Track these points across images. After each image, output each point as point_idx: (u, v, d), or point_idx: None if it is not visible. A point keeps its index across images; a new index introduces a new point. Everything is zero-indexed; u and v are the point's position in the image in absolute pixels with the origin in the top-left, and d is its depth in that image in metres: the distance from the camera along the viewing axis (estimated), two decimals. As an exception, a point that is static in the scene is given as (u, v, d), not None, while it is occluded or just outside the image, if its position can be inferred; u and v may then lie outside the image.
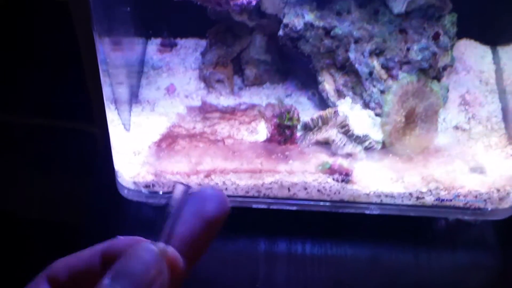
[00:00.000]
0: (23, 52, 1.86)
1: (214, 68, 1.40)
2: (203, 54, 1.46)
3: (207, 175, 1.26)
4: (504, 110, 1.37)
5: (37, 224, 2.23)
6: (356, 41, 1.26)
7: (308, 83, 1.39)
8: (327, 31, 1.26)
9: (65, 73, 1.81)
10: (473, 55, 1.49)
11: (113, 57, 1.20)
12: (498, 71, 1.45)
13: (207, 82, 1.41)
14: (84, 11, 1.19)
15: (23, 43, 1.85)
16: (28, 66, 1.87)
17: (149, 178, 1.27)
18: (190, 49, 1.51)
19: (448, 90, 1.37)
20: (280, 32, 1.28)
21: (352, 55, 1.26)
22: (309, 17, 1.25)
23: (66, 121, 1.89)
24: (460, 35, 1.43)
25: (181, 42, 1.53)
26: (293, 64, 1.41)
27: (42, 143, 2.04)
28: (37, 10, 1.74)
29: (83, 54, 1.70)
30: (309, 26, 1.26)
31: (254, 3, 1.23)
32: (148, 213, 1.36)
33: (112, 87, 1.23)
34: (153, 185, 1.28)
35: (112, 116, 1.27)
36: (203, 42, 1.50)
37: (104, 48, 1.17)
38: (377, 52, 1.26)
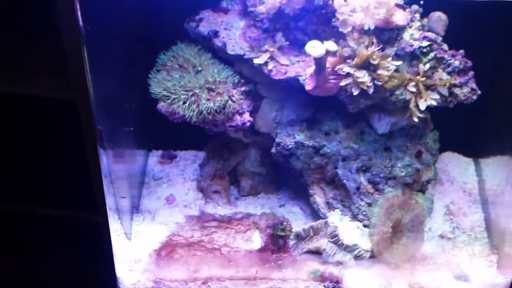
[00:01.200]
0: (33, 145, 1.92)
1: (211, 180, 1.47)
2: (201, 166, 1.53)
3: (205, 282, 1.31)
4: (487, 220, 1.43)
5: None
6: (344, 159, 1.32)
7: (300, 193, 1.45)
8: (317, 150, 1.33)
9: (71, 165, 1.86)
10: (457, 167, 1.56)
11: (116, 170, 1.27)
12: (481, 182, 1.51)
13: (205, 193, 1.48)
14: (90, 124, 1.26)
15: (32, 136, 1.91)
16: (36, 159, 1.92)
17: (149, 285, 1.32)
18: (189, 161, 1.58)
19: (432, 202, 1.44)
20: (273, 150, 1.35)
21: (340, 172, 1.32)
22: (300, 137, 1.32)
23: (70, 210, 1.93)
24: (444, 148, 1.52)
25: (180, 154, 1.60)
26: (286, 176, 1.47)
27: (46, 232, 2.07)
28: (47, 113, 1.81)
29: (87, 147, 1.76)
30: (299, 145, 1.33)
31: (248, 124, 1.31)
32: None
33: (115, 199, 1.30)
34: (153, 292, 1.34)
35: (116, 226, 1.33)
36: (201, 154, 1.57)
37: (108, 161, 1.25)
38: (364, 169, 1.33)
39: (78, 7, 1.04)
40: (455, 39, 1.24)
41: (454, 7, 1.20)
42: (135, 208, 1.45)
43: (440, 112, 1.31)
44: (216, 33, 1.27)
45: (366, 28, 1.14)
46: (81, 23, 1.06)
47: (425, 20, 1.23)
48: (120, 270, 1.35)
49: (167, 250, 1.35)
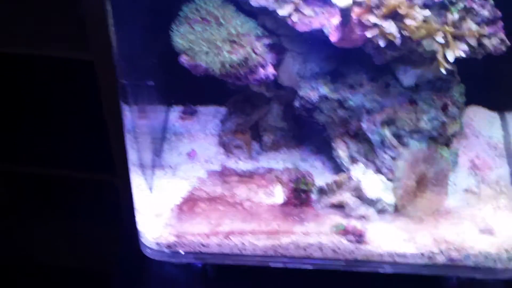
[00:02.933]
0: (56, 110, 1.93)
1: (233, 135, 1.47)
2: (222, 121, 1.53)
3: (226, 236, 1.31)
4: (512, 174, 1.44)
5: (63, 271, 2.28)
6: (368, 112, 1.31)
7: (323, 148, 1.45)
8: (341, 103, 1.33)
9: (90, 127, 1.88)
10: (482, 121, 1.55)
11: (139, 125, 1.28)
12: (506, 136, 1.50)
13: (227, 147, 1.48)
14: (109, 72, 1.26)
15: (54, 103, 1.92)
16: (58, 123, 1.94)
17: (171, 239, 1.32)
18: (210, 116, 1.58)
19: (457, 155, 1.42)
20: (296, 104, 1.35)
21: (364, 125, 1.32)
22: (324, 90, 1.32)
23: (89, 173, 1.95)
24: (469, 101, 1.49)
25: (201, 109, 1.60)
26: (309, 131, 1.47)
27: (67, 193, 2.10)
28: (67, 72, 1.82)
29: (105, 109, 1.76)
30: (323, 98, 1.32)
31: (271, 77, 1.30)
32: (170, 271, 1.42)
33: (138, 154, 1.31)
34: (175, 246, 1.33)
35: (138, 181, 1.35)
36: (222, 109, 1.57)
37: (132, 117, 1.25)
38: (388, 122, 1.32)
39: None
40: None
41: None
42: (157, 164, 1.45)
43: (465, 65, 1.28)
44: (239, -16, 1.26)
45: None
46: None
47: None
48: (142, 224, 1.36)
49: (188, 205, 1.36)
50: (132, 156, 1.31)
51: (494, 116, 1.57)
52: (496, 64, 1.32)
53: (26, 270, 2.23)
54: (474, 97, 1.50)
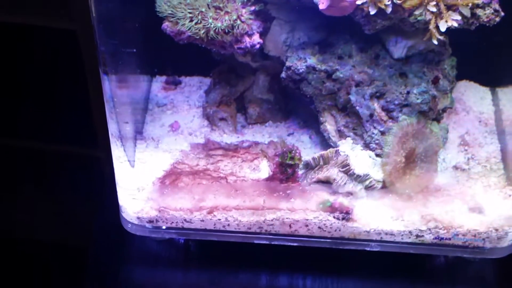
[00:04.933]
0: (35, 79, 1.90)
1: (217, 106, 1.44)
2: (206, 92, 1.50)
3: (210, 212, 1.29)
4: (503, 151, 1.40)
5: (42, 246, 2.25)
6: (357, 84, 1.29)
7: (310, 122, 1.43)
8: (329, 74, 1.29)
9: (74, 102, 1.85)
10: (473, 96, 1.53)
11: (119, 95, 1.24)
12: (497, 112, 1.48)
13: (211, 120, 1.45)
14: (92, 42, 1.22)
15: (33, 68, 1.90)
16: (37, 92, 1.91)
17: (153, 213, 1.30)
18: (194, 87, 1.55)
19: (447, 131, 1.40)
20: (283, 74, 1.32)
21: (353, 98, 1.29)
22: (311, 60, 1.29)
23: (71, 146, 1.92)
24: (460, 76, 1.47)
25: (185, 80, 1.57)
26: (296, 103, 1.45)
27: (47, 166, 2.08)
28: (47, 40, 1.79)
29: (89, 81, 1.74)
30: (311, 69, 1.29)
31: (257, 46, 1.27)
32: (151, 247, 1.40)
33: (118, 125, 1.27)
34: (157, 221, 1.31)
35: (118, 153, 1.31)
36: (207, 80, 1.54)
37: (110, 86, 1.21)
38: (378, 95, 1.29)
39: None
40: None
41: None
42: (139, 135, 1.42)
43: (456, 37, 1.26)
44: (225, -51, 1.22)
45: None
46: None
47: None
48: (123, 198, 1.33)
49: (171, 178, 1.33)
50: (112, 127, 1.27)
51: (485, 91, 1.55)
52: (487, 38, 1.30)
53: (3, 245, 2.21)
54: (465, 72, 1.48)
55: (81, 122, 1.82)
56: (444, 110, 1.35)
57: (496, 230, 1.27)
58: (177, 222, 1.31)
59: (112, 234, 1.42)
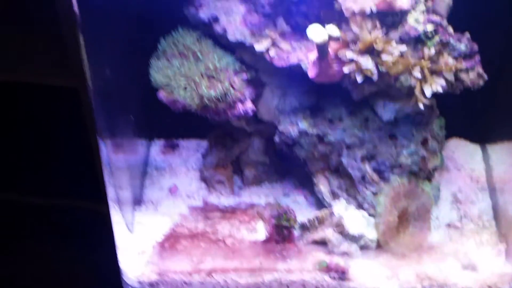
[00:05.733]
0: (38, 138, 1.93)
1: (214, 169, 1.47)
2: (204, 156, 1.53)
3: (209, 274, 1.30)
4: (495, 208, 1.42)
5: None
6: (348, 147, 1.32)
7: (305, 182, 1.45)
8: (321, 138, 1.33)
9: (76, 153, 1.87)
10: (464, 154, 1.55)
11: (116, 160, 1.27)
12: (488, 169, 1.50)
13: (208, 182, 1.48)
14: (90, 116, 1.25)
15: (38, 131, 1.92)
16: (40, 147, 1.93)
17: (153, 277, 1.32)
18: (191, 150, 1.58)
19: (439, 190, 1.43)
20: (276, 138, 1.35)
21: (345, 160, 1.32)
22: (303, 125, 1.32)
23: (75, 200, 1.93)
24: (450, 134, 1.51)
25: (183, 143, 1.60)
26: (290, 165, 1.47)
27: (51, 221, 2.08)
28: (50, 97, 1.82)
29: (91, 136, 1.76)
30: (303, 133, 1.32)
31: (250, 112, 1.31)
32: None
33: (116, 189, 1.30)
34: (157, 284, 1.32)
35: (116, 217, 1.33)
36: (204, 143, 1.57)
37: (107, 152, 1.24)
38: (369, 157, 1.32)
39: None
40: (461, 20, 1.22)
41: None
42: (138, 199, 1.45)
43: (446, 98, 1.28)
44: (216, 19, 1.26)
45: (367, 11, 1.12)
46: (76, 9, 1.07)
47: (430, 2, 1.20)
48: (124, 262, 1.35)
49: (170, 242, 1.36)
50: (110, 192, 1.30)
51: (475, 148, 1.58)
52: (477, 97, 1.33)
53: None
54: (455, 130, 1.52)
55: (82, 179, 1.84)
56: (435, 169, 1.38)
57: (490, 287, 1.27)
58: (177, 285, 1.32)
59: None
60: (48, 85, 1.68)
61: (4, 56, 1.68)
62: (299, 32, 1.24)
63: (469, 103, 1.39)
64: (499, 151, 1.48)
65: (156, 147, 1.59)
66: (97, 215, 1.72)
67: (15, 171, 1.90)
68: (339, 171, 1.35)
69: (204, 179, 1.49)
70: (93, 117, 1.22)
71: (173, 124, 1.56)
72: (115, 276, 1.38)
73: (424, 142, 1.32)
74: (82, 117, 1.68)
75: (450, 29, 1.21)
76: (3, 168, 1.92)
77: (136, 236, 1.38)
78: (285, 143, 1.35)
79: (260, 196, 1.47)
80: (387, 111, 1.30)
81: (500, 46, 1.33)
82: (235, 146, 1.47)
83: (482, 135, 1.56)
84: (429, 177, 1.37)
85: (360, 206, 1.34)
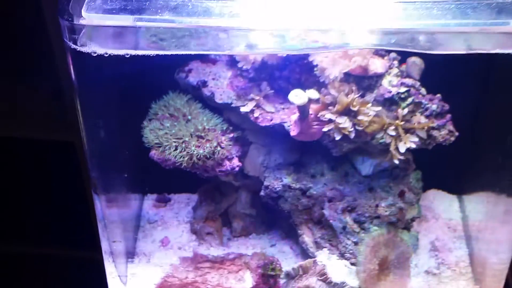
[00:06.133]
0: (34, 185, 1.96)
1: (204, 222, 1.51)
2: (194, 209, 1.58)
3: (199, 325, 1.35)
4: (471, 255, 1.47)
5: None
6: (330, 200, 1.37)
7: (291, 233, 1.50)
8: (303, 192, 1.38)
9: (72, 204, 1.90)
10: (441, 204, 1.61)
11: (110, 214, 1.32)
12: (465, 218, 1.56)
13: (198, 234, 1.52)
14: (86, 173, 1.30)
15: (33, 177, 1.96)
16: (37, 198, 1.97)
17: (146, 327, 1.36)
18: (182, 204, 1.63)
19: (417, 239, 1.48)
20: (262, 193, 1.40)
21: (326, 212, 1.36)
22: (287, 180, 1.37)
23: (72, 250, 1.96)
24: (429, 185, 1.58)
25: (174, 197, 1.65)
26: (277, 217, 1.52)
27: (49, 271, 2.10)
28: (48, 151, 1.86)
29: (87, 188, 1.79)
30: (287, 187, 1.37)
31: (237, 169, 1.36)
32: None
33: (109, 242, 1.34)
34: None
35: (110, 269, 1.38)
36: (194, 197, 1.62)
37: (101, 206, 1.29)
38: (349, 209, 1.37)
39: (71, 63, 1.11)
40: (433, 81, 1.29)
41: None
42: (131, 251, 1.48)
43: (424, 152, 1.35)
44: (204, 83, 1.33)
45: (332, 77, 1.20)
46: (73, 77, 1.13)
47: (403, 66, 1.29)
48: None
49: (162, 292, 1.40)
50: (104, 245, 1.34)
51: (452, 198, 1.62)
52: (452, 151, 1.37)
53: None
54: (433, 182, 1.57)
55: (81, 227, 1.87)
56: (412, 220, 1.43)
57: None
58: None
59: None
60: (46, 139, 1.72)
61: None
62: (282, 95, 1.30)
63: (447, 157, 1.43)
64: (474, 202, 1.53)
65: (149, 201, 1.64)
66: (91, 265, 1.77)
67: (13, 222, 1.94)
68: (321, 223, 1.40)
69: (194, 231, 1.53)
70: (87, 174, 1.26)
71: (164, 179, 1.60)
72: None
73: (401, 194, 1.37)
74: (79, 167, 1.73)
75: (423, 90, 1.28)
76: (2, 219, 1.95)
77: (129, 287, 1.41)
78: (270, 197, 1.39)
79: (248, 246, 1.51)
80: (365, 166, 1.36)
81: (472, 104, 1.40)
82: (223, 200, 1.52)
83: (459, 187, 1.61)
84: (407, 227, 1.42)
85: (342, 255, 1.37)
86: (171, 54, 1.10)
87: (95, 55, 1.08)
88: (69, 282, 2.08)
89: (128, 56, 1.09)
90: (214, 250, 1.50)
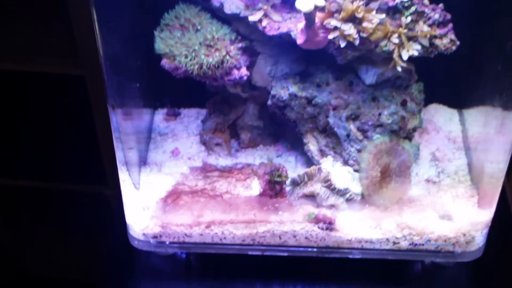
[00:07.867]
0: (44, 121, 2.01)
1: (213, 133, 1.56)
2: (203, 121, 1.62)
3: (208, 226, 1.40)
4: (470, 165, 1.52)
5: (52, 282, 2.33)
6: (334, 108, 1.40)
7: (296, 145, 1.54)
8: (309, 100, 1.41)
9: (81, 140, 1.96)
10: (442, 118, 1.65)
11: (124, 126, 1.36)
12: (464, 131, 1.60)
13: (207, 145, 1.57)
14: (99, 86, 1.33)
15: (43, 113, 2.00)
16: (47, 135, 2.01)
17: (157, 230, 1.41)
18: (192, 118, 1.67)
19: (418, 148, 1.53)
20: (269, 102, 1.44)
21: (331, 120, 1.41)
22: (293, 89, 1.41)
23: (81, 185, 2.03)
24: (430, 100, 1.62)
25: (184, 111, 1.69)
26: (283, 129, 1.56)
27: (59, 206, 2.17)
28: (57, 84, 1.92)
29: (96, 123, 1.85)
30: (293, 96, 1.41)
31: (245, 78, 1.39)
32: (156, 262, 1.51)
33: (124, 152, 1.39)
34: (160, 236, 1.42)
35: (123, 177, 1.42)
36: (203, 111, 1.66)
37: (116, 118, 1.33)
38: (353, 117, 1.41)
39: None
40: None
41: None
42: (143, 161, 1.53)
43: (426, 67, 1.40)
44: (214, -7, 1.35)
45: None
46: None
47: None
48: (130, 217, 1.44)
49: (172, 198, 1.44)
50: (119, 155, 1.38)
51: (453, 113, 1.66)
52: (455, 66, 1.44)
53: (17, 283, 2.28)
54: (435, 96, 1.62)
55: (90, 162, 1.91)
56: (414, 130, 1.46)
57: (464, 235, 1.37)
58: (178, 237, 1.40)
59: (121, 251, 1.52)
60: (59, 73, 1.76)
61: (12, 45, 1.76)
62: (289, 5, 1.32)
63: (448, 72, 1.48)
64: (473, 115, 1.57)
65: (160, 116, 1.68)
66: (105, 192, 1.83)
67: (25, 157, 1.99)
68: (326, 131, 1.44)
69: (203, 142, 1.57)
70: (101, 97, 1.28)
71: (175, 94, 1.65)
72: (122, 230, 1.48)
73: (404, 103, 1.41)
74: (88, 102, 1.76)
75: (426, 0, 1.30)
76: (14, 153, 2.00)
77: (141, 194, 1.46)
78: (277, 106, 1.43)
79: (255, 157, 1.55)
80: (369, 76, 1.39)
81: (475, 16, 1.42)
82: (231, 112, 1.56)
83: (459, 101, 1.64)
84: (409, 137, 1.46)
85: (345, 162, 1.42)
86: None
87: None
88: (77, 216, 2.13)
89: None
90: (223, 160, 1.54)
